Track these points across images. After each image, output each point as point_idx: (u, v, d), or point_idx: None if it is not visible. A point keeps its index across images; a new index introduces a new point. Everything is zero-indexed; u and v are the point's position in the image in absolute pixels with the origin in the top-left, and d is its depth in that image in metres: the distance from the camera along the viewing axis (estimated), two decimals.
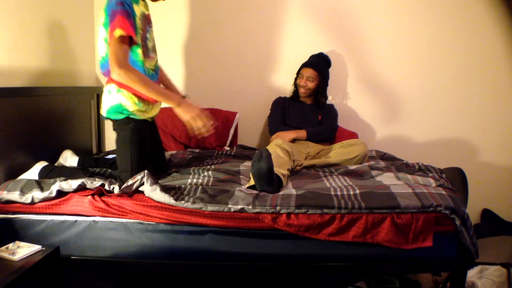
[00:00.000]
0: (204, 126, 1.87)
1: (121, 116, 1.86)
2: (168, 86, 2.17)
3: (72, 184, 1.65)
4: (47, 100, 2.26)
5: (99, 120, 2.83)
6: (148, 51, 1.90)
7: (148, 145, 1.95)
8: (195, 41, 2.86)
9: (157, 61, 1.99)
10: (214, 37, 2.86)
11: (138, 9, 1.83)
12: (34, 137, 2.12)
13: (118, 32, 1.68)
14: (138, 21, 1.81)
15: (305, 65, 2.62)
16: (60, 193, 1.65)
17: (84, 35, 2.75)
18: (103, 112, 1.90)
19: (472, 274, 2.20)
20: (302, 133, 2.50)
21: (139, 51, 1.82)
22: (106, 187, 1.65)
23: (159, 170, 2.08)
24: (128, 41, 1.74)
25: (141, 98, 1.86)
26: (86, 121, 2.73)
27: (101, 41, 1.85)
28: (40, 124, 2.19)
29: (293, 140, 2.45)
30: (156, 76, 1.97)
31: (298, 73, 2.66)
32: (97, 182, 1.66)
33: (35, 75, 2.22)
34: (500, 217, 2.80)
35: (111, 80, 1.85)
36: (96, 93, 2.80)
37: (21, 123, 2.02)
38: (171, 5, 2.82)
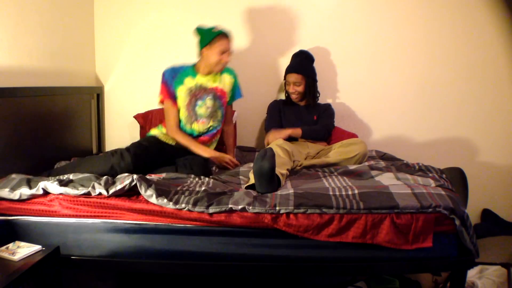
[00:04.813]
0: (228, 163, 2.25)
1: None
2: (227, 146, 2.54)
3: (54, 187, 1.62)
4: (47, 100, 2.26)
5: (99, 120, 2.83)
6: (197, 116, 2.30)
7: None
8: (193, 41, 2.86)
9: (211, 126, 2.35)
10: None
11: (191, 82, 2.28)
12: (34, 137, 2.12)
13: (159, 98, 2.33)
14: (182, 93, 2.27)
15: (288, 71, 2.58)
16: (47, 192, 1.64)
17: (84, 35, 2.75)
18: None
19: (472, 274, 2.20)
20: (297, 131, 2.49)
21: (181, 115, 2.31)
22: (94, 192, 1.62)
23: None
24: (170, 105, 2.28)
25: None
26: (86, 121, 2.73)
27: None
28: (40, 124, 2.19)
29: (292, 140, 2.44)
30: (201, 136, 2.35)
31: (284, 78, 2.63)
32: (82, 189, 1.62)
33: (35, 75, 2.23)
34: (500, 217, 2.79)
35: None
36: (96, 93, 2.80)
37: (21, 123, 2.02)
38: (170, 5, 2.82)
